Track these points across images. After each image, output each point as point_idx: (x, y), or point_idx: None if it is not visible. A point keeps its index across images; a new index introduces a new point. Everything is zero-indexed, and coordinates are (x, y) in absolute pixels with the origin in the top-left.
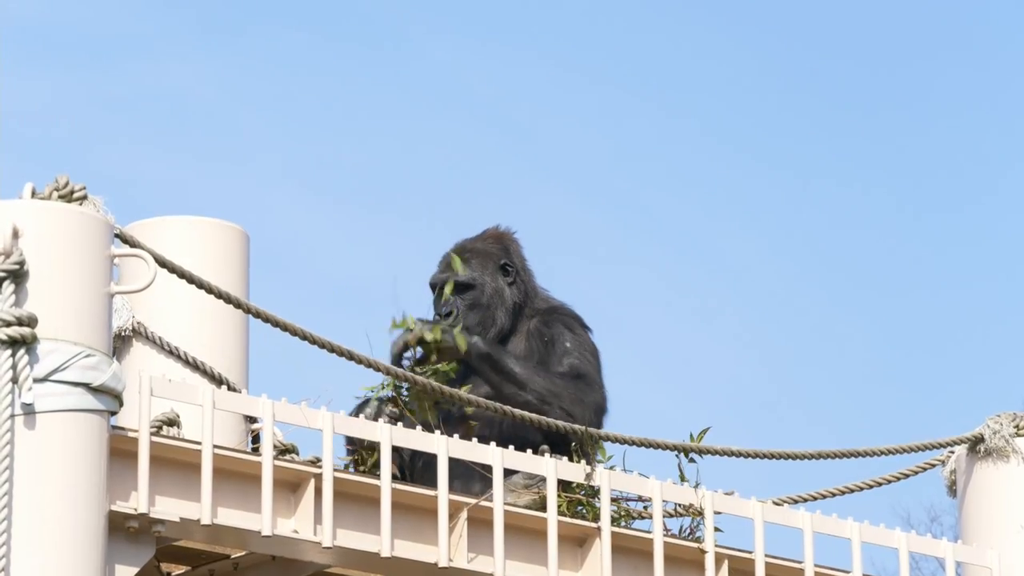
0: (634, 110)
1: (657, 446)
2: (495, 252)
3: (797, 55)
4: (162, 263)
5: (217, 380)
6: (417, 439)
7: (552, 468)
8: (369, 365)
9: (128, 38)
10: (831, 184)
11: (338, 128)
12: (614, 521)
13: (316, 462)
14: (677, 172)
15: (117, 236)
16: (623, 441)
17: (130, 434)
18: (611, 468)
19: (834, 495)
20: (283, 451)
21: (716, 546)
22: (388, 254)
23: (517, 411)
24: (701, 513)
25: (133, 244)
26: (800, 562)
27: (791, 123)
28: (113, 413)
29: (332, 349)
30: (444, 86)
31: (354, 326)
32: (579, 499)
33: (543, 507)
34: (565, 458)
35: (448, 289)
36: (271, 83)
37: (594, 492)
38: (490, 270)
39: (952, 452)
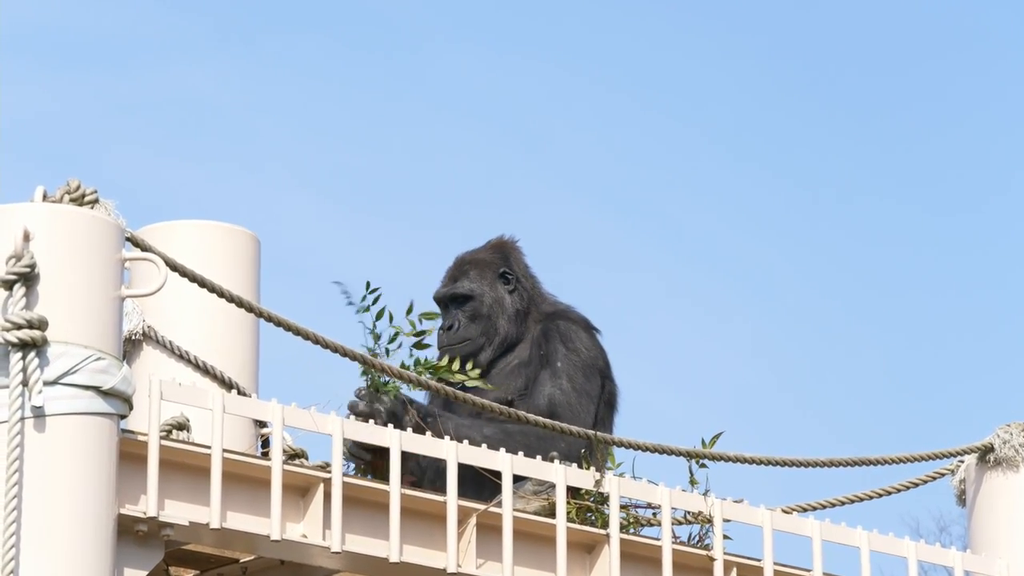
0: (647, 119)
1: (668, 452)
2: (493, 261)
3: (810, 64)
4: (173, 267)
5: (227, 384)
6: (427, 444)
7: (561, 475)
8: (381, 369)
9: (143, 43)
10: (843, 191)
11: (352, 135)
12: (623, 528)
13: (326, 467)
14: (689, 180)
15: (128, 240)
16: (634, 447)
17: (140, 438)
18: (620, 475)
19: (843, 503)
20: (292, 456)
21: (725, 554)
22: (401, 260)
23: (526, 415)
24: (710, 520)
25: (144, 248)
26: (809, 570)
27: (802, 131)
28: (123, 417)
29: (344, 353)
30: (458, 94)
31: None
32: (588, 506)
33: (552, 513)
34: (574, 464)
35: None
36: (286, 89)
37: (603, 499)
38: (488, 279)
39: (962, 461)
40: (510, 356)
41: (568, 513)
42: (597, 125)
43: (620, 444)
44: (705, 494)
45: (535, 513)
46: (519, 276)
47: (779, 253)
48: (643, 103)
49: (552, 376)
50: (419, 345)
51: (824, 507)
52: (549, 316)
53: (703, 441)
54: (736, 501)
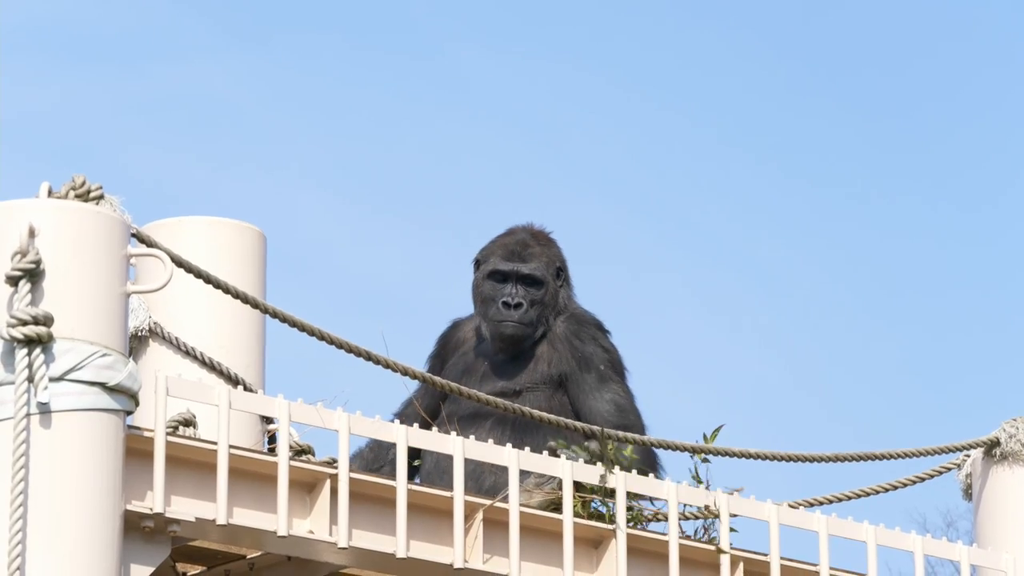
0: (662, 119)
1: (671, 447)
2: (553, 253)
3: (824, 63)
4: (179, 263)
5: (233, 380)
6: (433, 440)
7: (568, 470)
8: (387, 366)
9: (156, 41)
10: (857, 188)
11: (363, 133)
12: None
13: (332, 463)
14: (704, 178)
15: (134, 236)
16: (638, 443)
17: (146, 434)
18: (629, 465)
19: (850, 498)
20: (299, 452)
21: (732, 548)
22: (412, 259)
23: (530, 410)
24: (716, 515)
25: (150, 244)
26: (816, 565)
27: (816, 129)
28: (129, 413)
29: (349, 349)
30: (473, 93)
31: (374, 329)
32: (591, 498)
33: (553, 505)
34: (581, 459)
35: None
36: (299, 87)
37: (607, 493)
38: (552, 271)
39: (968, 456)
40: (531, 350)
41: (573, 507)
42: (613, 125)
43: (625, 440)
44: (706, 486)
45: (538, 507)
46: (567, 275)
47: (793, 250)
48: (658, 103)
49: (600, 380)
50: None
51: (831, 502)
52: (568, 319)
53: (704, 436)
54: (731, 492)
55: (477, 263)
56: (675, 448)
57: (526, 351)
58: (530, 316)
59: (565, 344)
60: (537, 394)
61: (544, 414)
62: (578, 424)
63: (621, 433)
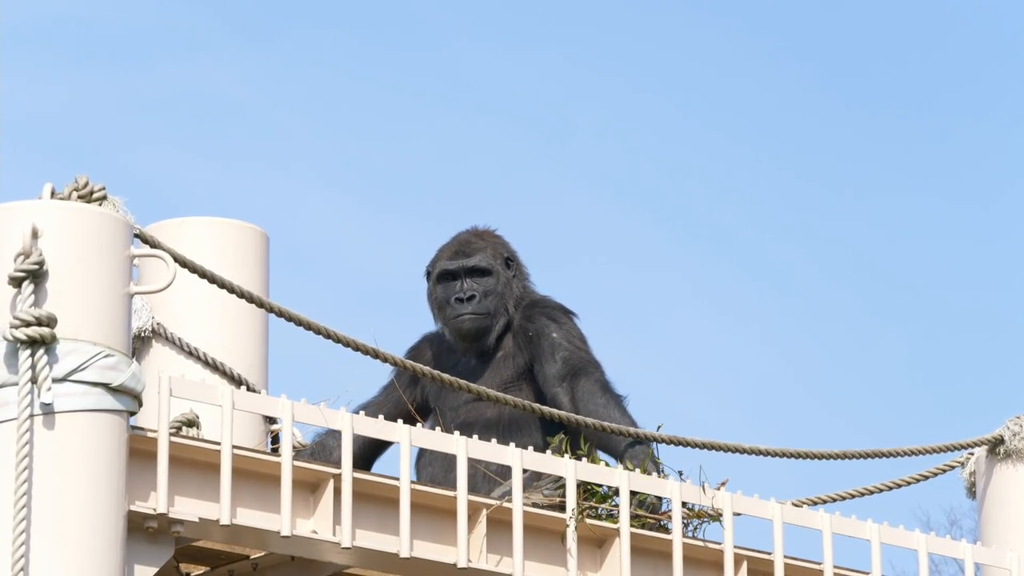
0: (668, 117)
1: (679, 443)
2: (499, 245)
3: (828, 62)
4: (182, 263)
5: (236, 381)
6: (436, 440)
7: (572, 469)
8: (393, 362)
9: (163, 39)
10: (861, 187)
11: (369, 130)
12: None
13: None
14: (711, 177)
15: (137, 236)
16: (584, 425)
17: (149, 434)
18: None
19: (853, 496)
20: (302, 451)
21: (735, 547)
22: (418, 257)
23: (523, 401)
24: (720, 515)
25: (153, 244)
26: (820, 563)
27: (820, 128)
28: (132, 413)
29: (349, 344)
30: (479, 90)
31: (377, 327)
32: (594, 505)
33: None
34: (585, 459)
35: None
36: (305, 86)
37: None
38: (499, 261)
39: (972, 454)
40: (497, 347)
41: (578, 516)
42: (618, 123)
43: (602, 429)
44: (661, 475)
45: (535, 505)
46: (518, 264)
47: (798, 249)
48: (664, 101)
49: (554, 347)
50: None
51: (834, 500)
52: (527, 307)
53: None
54: (722, 483)
55: (428, 274)
56: (679, 443)
57: (492, 350)
58: (486, 306)
59: (521, 332)
60: (517, 393)
61: (534, 404)
62: (564, 414)
63: (622, 427)
